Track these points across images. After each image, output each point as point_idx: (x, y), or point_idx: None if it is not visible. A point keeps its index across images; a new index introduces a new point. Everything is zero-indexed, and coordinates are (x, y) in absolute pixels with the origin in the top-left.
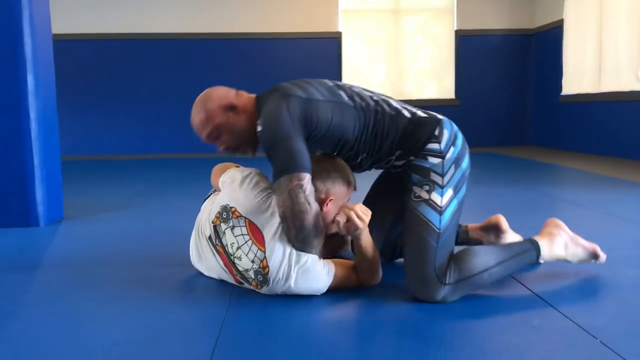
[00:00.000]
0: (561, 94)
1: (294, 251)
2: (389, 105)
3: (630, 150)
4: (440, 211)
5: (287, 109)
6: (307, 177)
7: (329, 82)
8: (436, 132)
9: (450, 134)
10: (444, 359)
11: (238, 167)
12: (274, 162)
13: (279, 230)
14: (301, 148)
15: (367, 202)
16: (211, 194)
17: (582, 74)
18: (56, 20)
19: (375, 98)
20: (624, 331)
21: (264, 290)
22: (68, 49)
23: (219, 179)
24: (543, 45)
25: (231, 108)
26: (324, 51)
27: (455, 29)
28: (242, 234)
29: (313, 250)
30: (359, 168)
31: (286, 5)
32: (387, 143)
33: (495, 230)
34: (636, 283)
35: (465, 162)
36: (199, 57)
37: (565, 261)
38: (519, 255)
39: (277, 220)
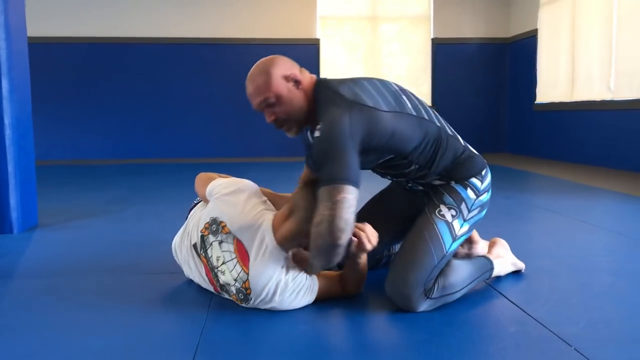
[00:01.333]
0: (535, 102)
1: (281, 274)
2: (447, 125)
3: (602, 159)
4: (454, 237)
5: (350, 121)
6: (355, 193)
7: (394, 86)
8: (483, 172)
9: (490, 181)
10: None
11: (226, 177)
12: (324, 170)
13: (266, 251)
14: (355, 162)
15: (367, 213)
16: (197, 204)
17: (555, 83)
18: (31, 23)
19: (435, 113)
20: (597, 338)
21: (244, 305)
22: (43, 52)
23: (206, 189)
24: (518, 54)
25: (295, 82)
26: (303, 57)
27: (432, 37)
28: (229, 251)
29: (318, 266)
30: (402, 177)
31: (265, 11)
32: (442, 163)
33: (468, 242)
34: (609, 290)
35: (484, 212)
36: (176, 61)
37: (498, 276)
38: (484, 273)
39: (264, 242)
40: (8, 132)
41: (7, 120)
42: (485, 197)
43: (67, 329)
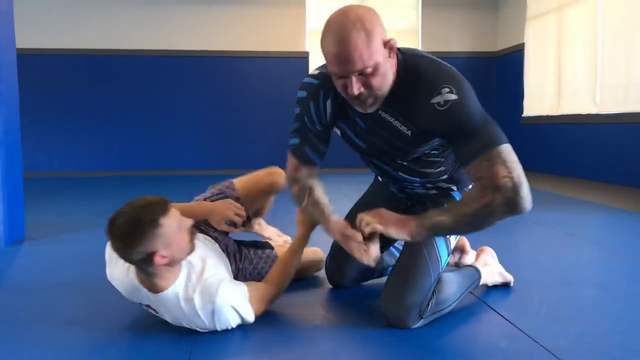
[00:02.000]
0: (522, 115)
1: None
2: None
3: (589, 172)
4: (449, 251)
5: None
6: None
7: None
8: None
9: None
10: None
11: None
12: (484, 133)
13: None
14: None
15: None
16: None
17: (542, 96)
18: (19, 34)
19: None
20: (586, 352)
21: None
22: (32, 63)
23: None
24: (505, 68)
25: (391, 48)
26: (292, 70)
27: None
28: None
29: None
30: (422, 176)
31: (254, 24)
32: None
33: (460, 251)
34: (597, 303)
35: None
36: (165, 74)
37: (484, 284)
38: (473, 283)
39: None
40: None
41: None
42: None
43: (53, 345)
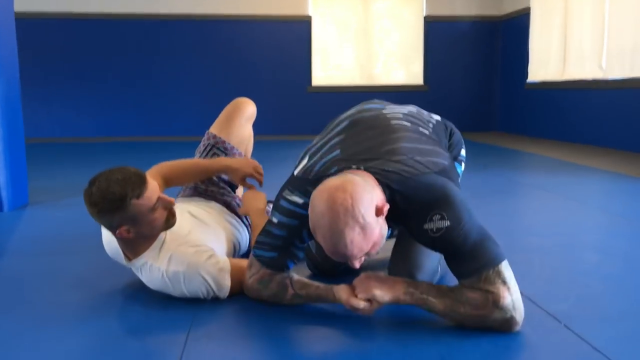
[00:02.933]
0: (527, 81)
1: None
2: (441, 122)
3: (592, 137)
4: None
5: (457, 189)
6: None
7: (436, 140)
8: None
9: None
10: (414, 342)
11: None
12: (480, 253)
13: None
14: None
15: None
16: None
17: (547, 61)
18: None
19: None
20: (586, 315)
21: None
22: (32, 28)
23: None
24: (510, 33)
25: (382, 213)
26: (295, 34)
27: (424, 14)
28: None
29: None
30: None
31: None
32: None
33: None
34: (597, 268)
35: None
36: (167, 38)
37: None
38: None
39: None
40: None
41: None
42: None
43: (56, 309)
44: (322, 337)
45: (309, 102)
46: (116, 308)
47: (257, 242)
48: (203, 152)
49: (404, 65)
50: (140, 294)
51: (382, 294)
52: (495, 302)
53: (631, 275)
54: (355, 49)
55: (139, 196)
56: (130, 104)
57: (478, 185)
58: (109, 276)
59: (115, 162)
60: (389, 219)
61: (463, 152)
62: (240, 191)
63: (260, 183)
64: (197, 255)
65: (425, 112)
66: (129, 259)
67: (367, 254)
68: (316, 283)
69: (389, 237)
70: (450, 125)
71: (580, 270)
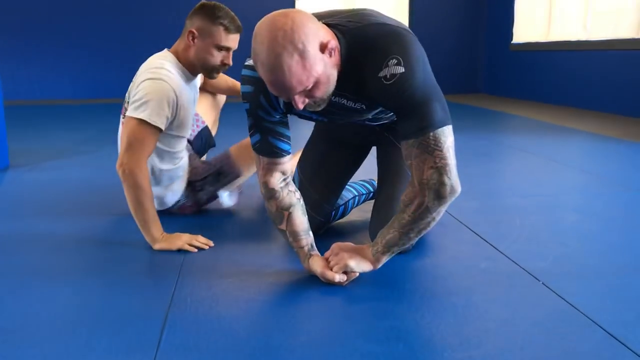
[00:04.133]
0: (512, 42)
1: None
2: None
3: (576, 99)
4: None
5: (420, 47)
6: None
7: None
8: None
9: None
10: (397, 301)
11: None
12: (424, 112)
13: None
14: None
15: (317, 177)
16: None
17: (532, 22)
18: None
19: None
20: (564, 273)
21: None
22: None
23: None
24: None
25: (331, 49)
26: (275, 6)
27: None
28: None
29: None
30: (386, 121)
31: None
32: None
33: None
34: (576, 227)
35: None
36: None
37: None
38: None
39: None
40: None
41: None
42: None
43: (39, 272)
44: (311, 282)
45: None
46: (100, 270)
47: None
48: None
49: None
50: (126, 256)
51: (357, 264)
52: (419, 181)
53: (608, 234)
54: (340, 5)
55: (227, 28)
56: (110, 66)
57: (461, 147)
58: (92, 236)
59: (95, 125)
60: (345, 82)
61: None
62: None
63: (192, 250)
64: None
65: None
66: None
67: (311, 95)
68: (303, 241)
69: (370, 198)
70: None
71: (560, 230)
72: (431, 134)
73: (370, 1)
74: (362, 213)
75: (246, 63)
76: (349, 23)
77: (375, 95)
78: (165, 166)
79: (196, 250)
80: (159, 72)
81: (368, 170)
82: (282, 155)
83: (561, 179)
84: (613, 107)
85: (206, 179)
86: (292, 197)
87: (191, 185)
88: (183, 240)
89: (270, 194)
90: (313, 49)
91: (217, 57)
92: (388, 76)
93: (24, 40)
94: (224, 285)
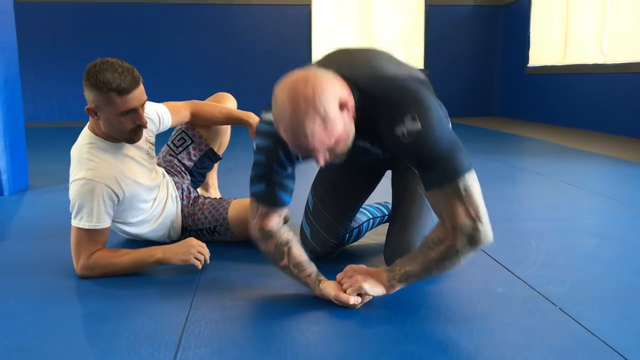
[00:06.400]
0: (527, 65)
1: None
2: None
3: (593, 122)
4: None
5: (434, 97)
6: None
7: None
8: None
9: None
10: (412, 325)
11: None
12: (447, 163)
13: None
14: None
15: (330, 193)
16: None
17: (548, 46)
18: None
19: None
20: (581, 299)
21: None
22: (31, 12)
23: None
24: (511, 17)
25: (346, 107)
26: (295, 18)
27: None
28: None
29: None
30: None
31: None
32: None
33: None
34: (594, 252)
35: None
36: (165, 22)
37: None
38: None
39: None
40: None
41: None
42: None
43: (56, 292)
44: (325, 305)
45: None
46: (119, 287)
47: (250, 178)
48: (173, 135)
49: (405, 50)
50: (142, 272)
51: (370, 287)
52: (453, 225)
53: (628, 259)
54: (356, 33)
55: (120, 92)
56: None
57: (477, 169)
58: None
59: None
60: (361, 131)
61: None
62: (214, 183)
63: (198, 266)
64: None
65: None
66: None
67: (332, 151)
68: (308, 270)
69: (384, 222)
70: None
71: (577, 254)
72: (460, 182)
73: (388, 22)
74: (376, 236)
75: (263, 117)
76: (363, 73)
77: (395, 150)
78: (136, 230)
79: (200, 264)
80: (82, 166)
81: (382, 191)
82: (284, 206)
83: (578, 202)
84: (630, 130)
85: (201, 231)
86: (288, 233)
87: (187, 231)
88: (190, 250)
89: (268, 235)
90: (334, 111)
91: (126, 123)
92: (406, 134)
93: (45, 65)
94: (238, 307)
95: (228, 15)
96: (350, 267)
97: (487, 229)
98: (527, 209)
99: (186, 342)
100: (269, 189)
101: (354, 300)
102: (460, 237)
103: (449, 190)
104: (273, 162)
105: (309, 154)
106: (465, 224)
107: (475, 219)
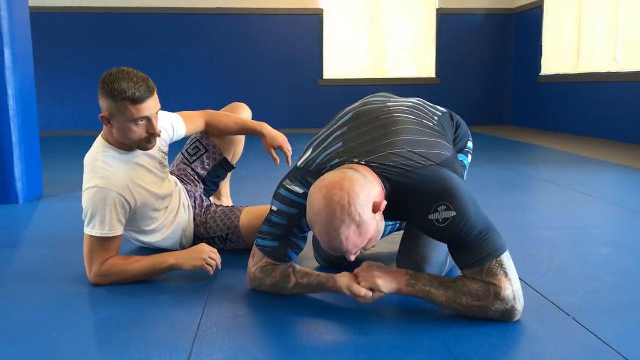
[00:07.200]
0: (540, 74)
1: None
2: (447, 113)
3: (606, 131)
4: None
5: (462, 180)
6: None
7: (440, 133)
8: (469, 132)
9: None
10: (424, 335)
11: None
12: (490, 243)
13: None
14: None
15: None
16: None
17: (560, 54)
18: None
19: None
20: (595, 308)
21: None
22: (46, 22)
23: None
24: (523, 26)
25: (379, 209)
26: (306, 28)
27: (437, 7)
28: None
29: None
30: None
31: None
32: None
33: None
34: (607, 261)
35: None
36: (178, 32)
37: None
38: None
39: None
40: (11, 102)
41: (10, 91)
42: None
43: (69, 299)
44: (337, 315)
45: (320, 95)
46: (132, 295)
47: (260, 231)
48: (188, 144)
49: (416, 59)
50: (155, 279)
51: (385, 284)
52: (496, 293)
53: None
54: (367, 42)
55: (134, 100)
56: None
57: (490, 179)
58: None
59: None
60: (391, 214)
61: (470, 144)
62: (227, 192)
63: (210, 272)
64: (106, 191)
65: (430, 105)
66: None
67: (363, 248)
68: (317, 273)
69: (397, 230)
70: (457, 117)
71: (591, 264)
72: (498, 259)
73: (399, 31)
74: (388, 245)
75: (288, 187)
76: (393, 163)
77: (428, 231)
78: (148, 238)
79: (212, 270)
80: (95, 175)
81: None
82: (290, 261)
83: (591, 211)
84: None
85: (214, 239)
86: (288, 260)
87: (200, 240)
88: (202, 256)
89: (271, 269)
90: (368, 216)
91: (139, 131)
92: (441, 220)
93: (60, 74)
94: (250, 315)
95: (242, 24)
96: (367, 263)
97: (521, 311)
98: (540, 218)
99: (198, 350)
100: (282, 248)
101: (365, 292)
102: (500, 305)
103: (494, 266)
104: (295, 227)
105: (341, 254)
106: (509, 299)
107: (518, 298)
